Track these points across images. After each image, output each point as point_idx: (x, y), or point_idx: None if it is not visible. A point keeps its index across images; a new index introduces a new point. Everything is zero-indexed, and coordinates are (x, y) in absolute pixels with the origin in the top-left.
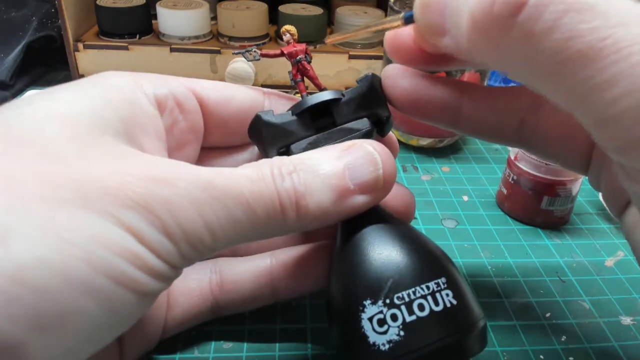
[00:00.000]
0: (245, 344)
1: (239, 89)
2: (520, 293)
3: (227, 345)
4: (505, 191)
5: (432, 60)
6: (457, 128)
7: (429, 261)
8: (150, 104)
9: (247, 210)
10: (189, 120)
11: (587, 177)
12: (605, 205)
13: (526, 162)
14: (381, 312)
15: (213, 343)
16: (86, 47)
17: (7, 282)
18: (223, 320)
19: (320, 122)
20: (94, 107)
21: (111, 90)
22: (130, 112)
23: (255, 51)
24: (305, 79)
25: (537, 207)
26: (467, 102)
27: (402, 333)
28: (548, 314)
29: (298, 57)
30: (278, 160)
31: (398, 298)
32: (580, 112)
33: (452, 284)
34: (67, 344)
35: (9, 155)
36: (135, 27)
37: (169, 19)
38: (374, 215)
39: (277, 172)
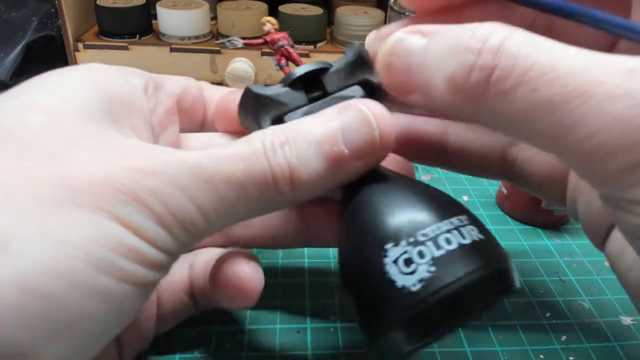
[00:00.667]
0: (245, 344)
1: (188, 79)
2: (520, 293)
3: (227, 345)
4: (505, 191)
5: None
6: (445, 164)
7: (446, 201)
8: (134, 87)
9: (238, 189)
10: (168, 103)
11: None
12: (587, 236)
13: None
14: (406, 252)
15: (213, 343)
16: (86, 47)
17: (15, 292)
18: (223, 320)
19: (312, 93)
20: (77, 94)
21: (94, 75)
22: (115, 95)
23: (237, 40)
24: (290, 63)
25: (537, 207)
26: (452, 139)
27: (432, 269)
28: (548, 314)
29: (280, 43)
30: (270, 132)
31: (423, 235)
32: (557, 153)
33: (474, 222)
34: (77, 345)
35: None
36: (135, 27)
37: (169, 19)
38: (378, 172)
39: (269, 144)
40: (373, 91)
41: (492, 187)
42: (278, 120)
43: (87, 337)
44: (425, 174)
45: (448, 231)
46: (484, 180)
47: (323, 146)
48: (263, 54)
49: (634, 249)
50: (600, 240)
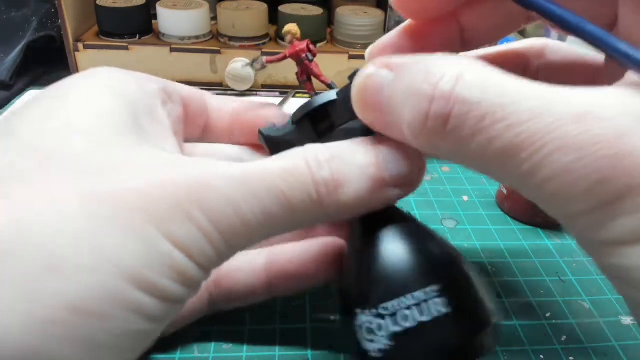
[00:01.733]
0: (245, 344)
1: (192, 88)
2: (520, 293)
3: (227, 345)
4: (505, 191)
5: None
6: (464, 47)
7: (421, 267)
8: (151, 95)
9: (282, 202)
10: (177, 112)
11: None
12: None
13: None
14: (370, 321)
15: (213, 343)
16: (86, 47)
17: (64, 312)
18: (223, 320)
19: (321, 126)
20: (109, 109)
21: (117, 85)
22: (140, 105)
23: (262, 59)
24: (312, 77)
25: (537, 207)
26: (466, 16)
27: (390, 343)
28: (548, 314)
29: (300, 58)
30: (313, 148)
31: (383, 309)
32: (524, 193)
33: (446, 292)
34: (119, 358)
35: (44, 175)
36: (135, 27)
37: (169, 19)
38: (388, 214)
39: (313, 159)
40: None
41: (492, 187)
42: None
43: (127, 353)
44: (425, 174)
45: (408, 307)
46: (484, 180)
47: (368, 169)
48: (263, 54)
49: (614, 286)
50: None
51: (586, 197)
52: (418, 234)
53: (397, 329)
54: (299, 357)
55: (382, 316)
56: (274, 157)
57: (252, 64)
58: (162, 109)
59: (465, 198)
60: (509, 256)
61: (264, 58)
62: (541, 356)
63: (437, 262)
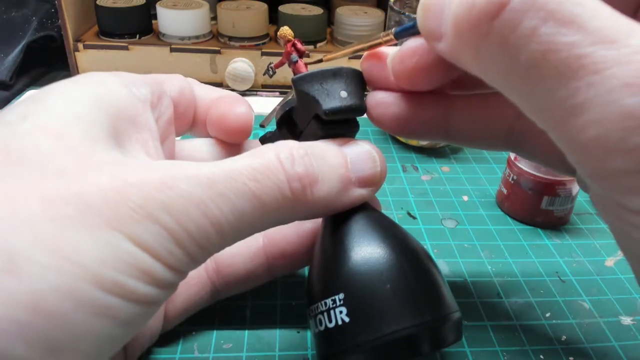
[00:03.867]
0: (245, 344)
1: (180, 80)
2: (520, 293)
3: (227, 345)
4: (505, 191)
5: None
6: (448, 140)
7: (334, 275)
8: (139, 99)
9: (252, 201)
10: (169, 113)
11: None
12: (596, 208)
13: (526, 162)
14: (309, 314)
15: (213, 343)
16: (86, 47)
17: (21, 312)
18: (223, 320)
19: (296, 130)
20: (83, 114)
21: (98, 89)
22: (120, 110)
23: (271, 68)
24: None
25: (537, 207)
26: (456, 116)
27: (316, 339)
28: (548, 314)
29: (289, 60)
30: (286, 144)
31: (311, 310)
32: (554, 134)
33: (349, 301)
34: None
35: (10, 176)
36: (135, 27)
37: (169, 19)
38: (361, 213)
39: (286, 156)
40: (323, 122)
41: (492, 187)
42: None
43: (91, 352)
44: (425, 174)
45: (321, 312)
46: (484, 180)
47: (338, 168)
48: (263, 54)
49: (620, 250)
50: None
51: (634, 153)
52: (362, 234)
53: (318, 329)
54: (299, 357)
55: (311, 316)
56: (244, 154)
57: (268, 73)
58: (150, 113)
59: (465, 198)
60: (509, 256)
61: (272, 64)
62: (541, 356)
63: (350, 268)
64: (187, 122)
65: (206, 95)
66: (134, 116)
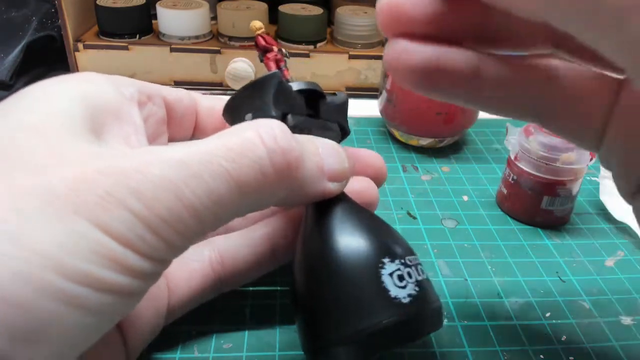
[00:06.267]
0: (245, 344)
1: (180, 90)
2: (520, 293)
3: (227, 345)
4: (505, 191)
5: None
6: (474, 102)
7: (319, 274)
8: (125, 96)
9: (229, 181)
10: (159, 114)
11: (598, 157)
12: (616, 187)
13: (526, 162)
14: (399, 269)
15: (213, 343)
16: (86, 47)
17: None
18: (223, 320)
19: (307, 109)
20: (61, 109)
21: (81, 86)
22: (102, 105)
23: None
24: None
25: (537, 207)
26: (485, 73)
27: (417, 288)
28: (548, 314)
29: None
30: (267, 122)
31: (409, 260)
32: (606, 38)
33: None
34: (50, 351)
35: None
36: (135, 27)
37: (169, 19)
38: (346, 199)
39: (267, 131)
40: (344, 132)
41: (492, 187)
42: (283, 117)
43: (62, 341)
44: (425, 174)
45: (419, 264)
46: (484, 180)
47: (315, 156)
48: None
49: None
50: (631, 193)
51: None
52: (351, 234)
53: (420, 277)
54: (299, 357)
55: (409, 266)
56: (221, 133)
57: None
58: (137, 110)
59: (465, 198)
60: (509, 256)
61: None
62: (541, 356)
63: (338, 268)
64: (187, 128)
65: (215, 103)
66: (118, 111)
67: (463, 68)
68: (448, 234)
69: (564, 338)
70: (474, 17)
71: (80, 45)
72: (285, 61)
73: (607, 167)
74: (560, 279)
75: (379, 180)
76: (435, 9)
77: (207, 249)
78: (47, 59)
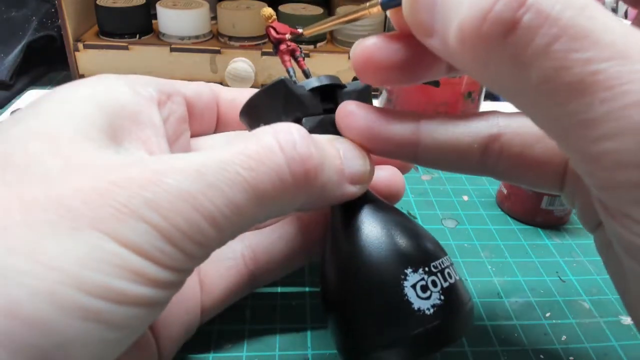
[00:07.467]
0: (245, 344)
1: (200, 84)
2: (520, 293)
3: (227, 345)
4: (505, 191)
5: (412, 71)
6: (418, 162)
7: (436, 241)
8: (143, 98)
9: (247, 190)
10: (180, 112)
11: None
12: (579, 220)
13: None
14: (422, 279)
15: (213, 343)
16: (86, 47)
17: (2, 319)
18: (223, 320)
19: (325, 104)
20: (75, 116)
21: (97, 90)
22: (119, 109)
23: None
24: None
25: (537, 207)
26: (425, 135)
27: (442, 297)
28: (548, 314)
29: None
30: (286, 127)
31: (434, 267)
32: (563, 144)
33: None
34: None
35: None
36: (135, 27)
37: (169, 19)
38: (372, 199)
39: (286, 138)
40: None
41: (492, 187)
42: (296, 121)
43: (86, 356)
44: (425, 174)
45: (447, 267)
46: (484, 180)
47: (335, 159)
48: (263, 54)
49: (623, 260)
50: (592, 228)
51: None
52: (381, 240)
53: (447, 284)
54: (299, 357)
55: (434, 273)
56: (239, 140)
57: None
58: (157, 111)
59: (465, 198)
60: (509, 256)
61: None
62: (541, 356)
63: (371, 274)
64: (209, 122)
65: (237, 95)
66: (136, 113)
67: (399, 139)
68: (448, 233)
69: (564, 338)
70: (439, 60)
71: (80, 45)
72: (300, 49)
73: (571, 206)
74: (560, 278)
75: (405, 169)
76: (402, 56)
77: (239, 245)
78: (47, 59)
